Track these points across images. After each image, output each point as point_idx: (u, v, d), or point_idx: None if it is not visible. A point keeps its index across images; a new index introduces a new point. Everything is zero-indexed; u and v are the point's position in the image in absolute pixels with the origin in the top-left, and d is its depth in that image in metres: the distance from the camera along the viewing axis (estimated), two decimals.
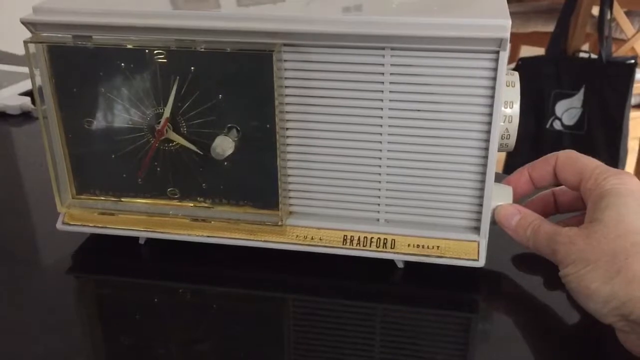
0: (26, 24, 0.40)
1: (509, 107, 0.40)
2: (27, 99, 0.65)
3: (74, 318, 0.41)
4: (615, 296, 0.33)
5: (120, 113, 0.41)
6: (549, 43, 1.50)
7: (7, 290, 0.42)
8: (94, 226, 0.44)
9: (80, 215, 0.44)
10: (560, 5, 1.50)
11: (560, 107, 1.50)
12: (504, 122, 0.40)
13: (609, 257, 0.34)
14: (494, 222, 0.41)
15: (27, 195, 0.53)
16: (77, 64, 0.40)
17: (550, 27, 1.63)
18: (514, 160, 1.45)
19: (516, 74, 0.41)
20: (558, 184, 0.42)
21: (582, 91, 1.47)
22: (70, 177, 0.43)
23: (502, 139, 0.41)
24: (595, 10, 1.50)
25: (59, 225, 0.44)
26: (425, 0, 0.41)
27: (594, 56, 1.46)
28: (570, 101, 1.50)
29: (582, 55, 1.50)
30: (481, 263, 0.40)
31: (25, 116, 0.65)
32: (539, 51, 1.63)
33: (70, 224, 0.44)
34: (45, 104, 0.41)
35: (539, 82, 1.49)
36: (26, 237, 0.48)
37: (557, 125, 1.51)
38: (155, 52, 0.39)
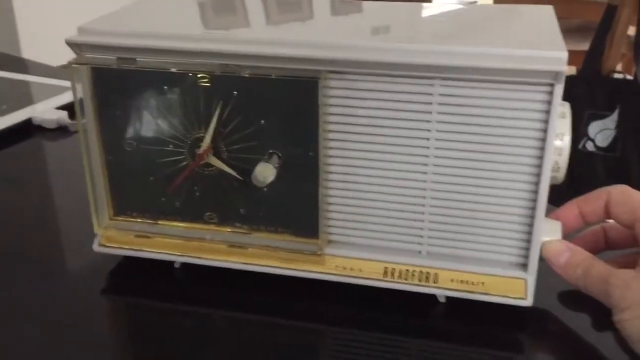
0: (71, 44, 0.40)
1: (560, 139, 0.39)
2: (64, 113, 0.66)
3: (106, 340, 0.40)
4: None
5: (160, 136, 0.40)
6: (582, 63, 1.48)
7: (42, 309, 0.41)
8: (130, 249, 0.43)
9: (116, 237, 0.43)
10: (592, 23, 1.48)
11: (594, 128, 1.47)
12: (553, 154, 0.39)
13: None
14: (541, 259, 0.39)
15: (63, 211, 0.53)
16: (120, 86, 0.39)
17: (582, 46, 1.60)
18: None
19: (567, 104, 0.40)
20: (609, 219, 0.40)
21: (616, 112, 1.44)
22: (109, 199, 0.43)
23: (551, 171, 0.39)
24: (631, 30, 1.48)
25: (95, 247, 0.44)
26: (477, 29, 0.40)
27: (629, 77, 1.43)
28: (603, 122, 1.47)
29: (616, 75, 1.47)
30: (529, 302, 0.39)
31: (62, 130, 0.65)
32: (571, 70, 1.61)
33: (106, 246, 0.44)
34: (87, 125, 0.41)
35: (572, 102, 1.46)
36: (62, 255, 0.48)
37: (589, 146, 1.48)
38: (198, 75, 0.38)
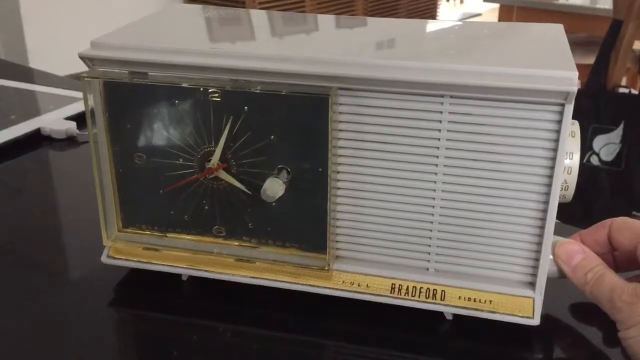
0: (84, 58, 0.40)
1: (569, 158, 0.39)
2: (73, 124, 0.66)
3: (112, 352, 0.40)
4: None
5: (170, 149, 0.40)
6: (588, 77, 1.48)
7: (49, 320, 0.41)
8: (138, 261, 0.43)
9: (125, 249, 0.44)
10: (597, 38, 1.48)
11: (598, 142, 1.47)
12: (563, 173, 0.39)
13: None
14: (560, 277, 0.39)
15: (71, 222, 0.53)
16: (131, 100, 0.40)
17: (587, 60, 1.60)
18: None
19: (576, 123, 0.40)
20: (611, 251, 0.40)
21: (621, 127, 1.44)
22: (118, 211, 0.43)
23: (560, 190, 0.39)
24: (637, 45, 1.48)
25: (103, 259, 0.44)
26: (487, 47, 0.40)
27: (634, 91, 1.44)
28: (608, 136, 1.47)
29: (621, 90, 1.47)
30: (536, 321, 0.38)
31: (70, 141, 0.66)
32: None
33: (115, 258, 0.44)
34: (97, 137, 0.41)
35: (577, 116, 1.46)
36: (69, 266, 0.48)
37: (594, 160, 1.48)
38: (209, 90, 0.38)
